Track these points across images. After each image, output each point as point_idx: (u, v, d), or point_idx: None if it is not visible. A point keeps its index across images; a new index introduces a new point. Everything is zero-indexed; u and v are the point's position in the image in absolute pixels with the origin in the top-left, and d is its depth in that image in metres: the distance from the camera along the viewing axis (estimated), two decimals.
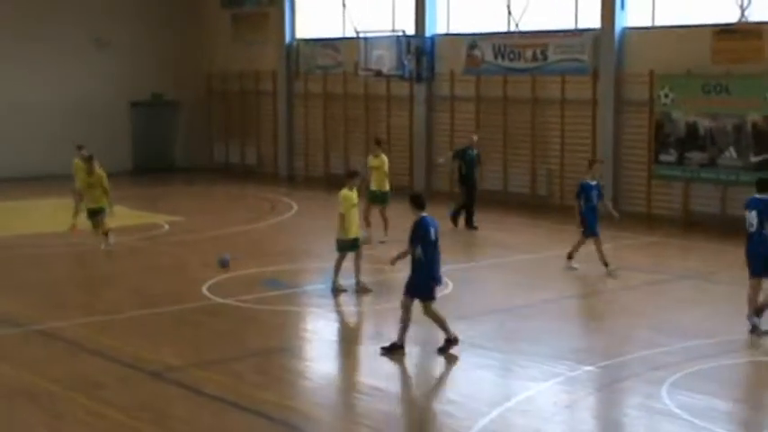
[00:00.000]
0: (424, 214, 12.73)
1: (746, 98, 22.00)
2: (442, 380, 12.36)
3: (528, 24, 26.75)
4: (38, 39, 32.29)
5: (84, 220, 20.57)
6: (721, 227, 22.32)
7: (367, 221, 20.11)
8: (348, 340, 14.50)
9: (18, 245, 20.90)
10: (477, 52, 27.62)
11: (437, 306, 12.84)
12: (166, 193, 30.53)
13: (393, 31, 28.92)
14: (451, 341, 12.79)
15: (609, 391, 11.65)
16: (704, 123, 22.78)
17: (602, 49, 24.95)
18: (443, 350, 12.78)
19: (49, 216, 23.96)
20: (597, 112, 25.23)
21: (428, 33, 28.75)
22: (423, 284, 12.68)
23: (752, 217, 13.59)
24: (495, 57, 27.21)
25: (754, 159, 22.01)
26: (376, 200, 20.70)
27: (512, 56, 26.88)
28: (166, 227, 22.98)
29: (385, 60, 28.72)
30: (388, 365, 12.55)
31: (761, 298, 13.82)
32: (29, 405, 11.05)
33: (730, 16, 22.98)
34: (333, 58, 31.70)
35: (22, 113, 32.33)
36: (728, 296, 16.06)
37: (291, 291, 16.87)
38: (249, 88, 34.60)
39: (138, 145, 35.23)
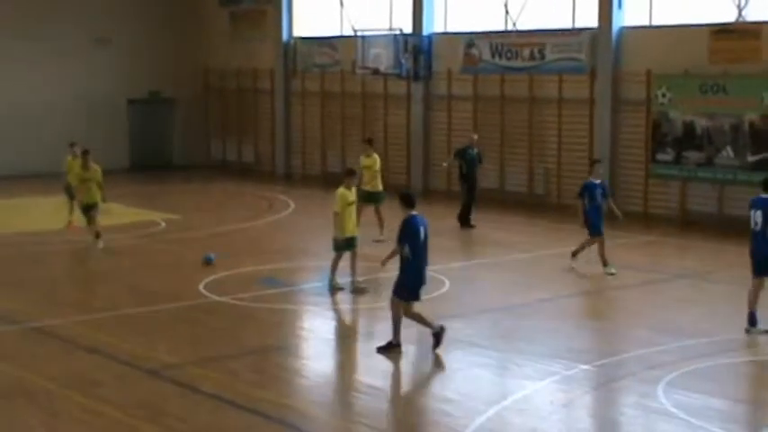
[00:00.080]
0: (414, 213, 12.69)
1: (744, 98, 22.01)
2: (438, 378, 12.36)
3: (525, 23, 26.74)
4: (38, 38, 32.28)
5: (80, 217, 20.60)
6: (718, 226, 22.34)
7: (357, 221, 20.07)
8: (345, 338, 14.49)
9: (16, 242, 20.90)
10: (474, 51, 27.62)
11: (419, 306, 12.80)
12: (163, 190, 30.51)
13: (390, 29, 28.90)
14: (439, 332, 12.75)
15: (605, 389, 11.65)
16: (701, 123, 22.79)
17: (600, 48, 24.96)
18: (437, 344, 12.73)
19: (48, 213, 23.94)
20: (594, 111, 25.24)
21: (425, 32, 28.75)
22: (410, 285, 12.64)
23: (757, 216, 13.58)
24: (493, 56, 27.21)
25: (751, 159, 22.02)
26: (368, 199, 20.61)
27: (509, 55, 26.89)
28: (163, 224, 22.97)
29: (382, 59, 28.72)
30: (384, 364, 12.55)
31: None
32: (25, 403, 11.05)
33: (727, 16, 22.98)
34: (330, 56, 31.69)
35: (22, 112, 32.33)
36: (725, 295, 16.11)
37: (288, 289, 16.87)
38: (246, 86, 34.59)
39: (135, 142, 35.20)
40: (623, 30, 24.74)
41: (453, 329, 13.27)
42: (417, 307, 12.80)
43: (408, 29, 28.78)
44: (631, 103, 24.60)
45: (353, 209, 16.47)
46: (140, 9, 34.76)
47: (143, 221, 23.32)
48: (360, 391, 11.65)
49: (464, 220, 22.60)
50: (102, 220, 20.37)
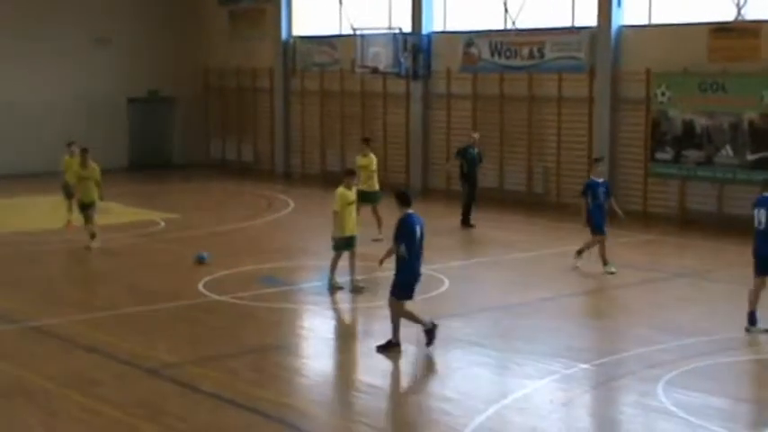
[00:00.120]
0: (410, 211, 12.68)
1: (743, 96, 22.00)
2: (438, 377, 12.36)
3: (525, 22, 26.74)
4: (38, 38, 32.26)
5: (79, 216, 20.59)
6: (718, 225, 22.34)
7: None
8: (344, 338, 14.48)
9: (15, 242, 20.90)
10: (473, 50, 27.61)
11: (411, 304, 12.79)
12: (162, 189, 30.51)
13: (390, 28, 28.90)
14: (431, 328, 12.73)
15: (605, 388, 11.65)
16: (701, 121, 22.79)
17: (599, 46, 24.95)
18: (430, 341, 12.71)
19: (47, 213, 23.92)
20: (594, 109, 25.22)
21: (425, 31, 28.73)
22: (405, 284, 12.62)
23: (761, 215, 13.57)
24: (492, 54, 27.20)
25: (750, 157, 22.02)
26: (364, 199, 20.55)
27: (508, 53, 26.88)
28: (162, 224, 22.96)
29: (381, 58, 28.70)
30: (384, 363, 12.55)
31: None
32: (24, 402, 11.04)
33: (727, 14, 22.98)
34: (329, 55, 31.68)
35: (22, 112, 32.32)
36: (725, 294, 16.10)
37: (288, 288, 16.87)
38: (246, 85, 34.58)
39: (134, 141, 35.19)
40: (622, 28, 24.73)
41: (453, 328, 13.27)
42: (409, 305, 12.79)
43: (407, 28, 28.77)
44: (631, 102, 24.59)
45: (353, 208, 16.46)
46: (140, 9, 34.77)
47: (142, 221, 23.32)
48: (359, 390, 11.65)
49: (464, 220, 22.58)
50: (102, 219, 20.38)
